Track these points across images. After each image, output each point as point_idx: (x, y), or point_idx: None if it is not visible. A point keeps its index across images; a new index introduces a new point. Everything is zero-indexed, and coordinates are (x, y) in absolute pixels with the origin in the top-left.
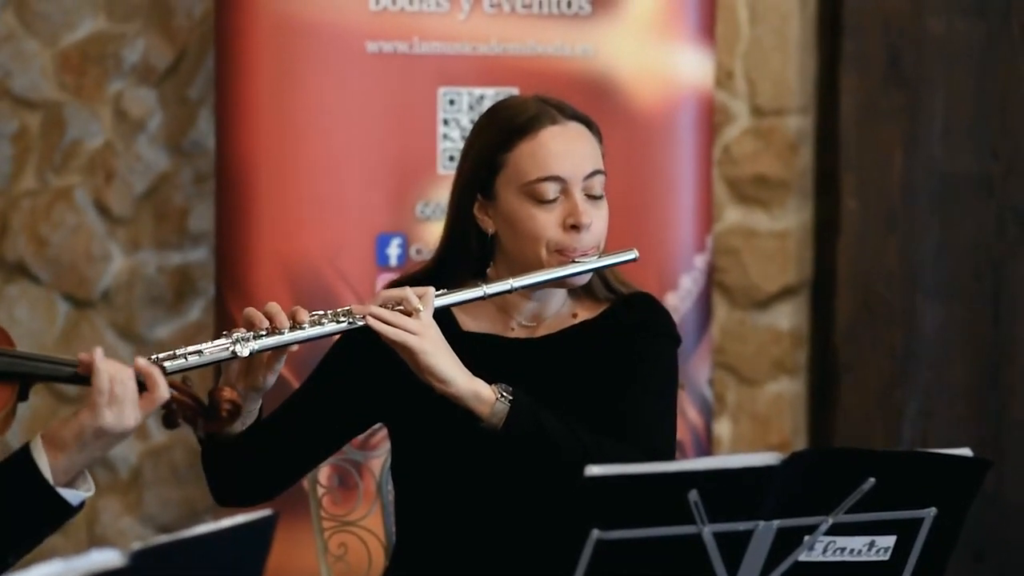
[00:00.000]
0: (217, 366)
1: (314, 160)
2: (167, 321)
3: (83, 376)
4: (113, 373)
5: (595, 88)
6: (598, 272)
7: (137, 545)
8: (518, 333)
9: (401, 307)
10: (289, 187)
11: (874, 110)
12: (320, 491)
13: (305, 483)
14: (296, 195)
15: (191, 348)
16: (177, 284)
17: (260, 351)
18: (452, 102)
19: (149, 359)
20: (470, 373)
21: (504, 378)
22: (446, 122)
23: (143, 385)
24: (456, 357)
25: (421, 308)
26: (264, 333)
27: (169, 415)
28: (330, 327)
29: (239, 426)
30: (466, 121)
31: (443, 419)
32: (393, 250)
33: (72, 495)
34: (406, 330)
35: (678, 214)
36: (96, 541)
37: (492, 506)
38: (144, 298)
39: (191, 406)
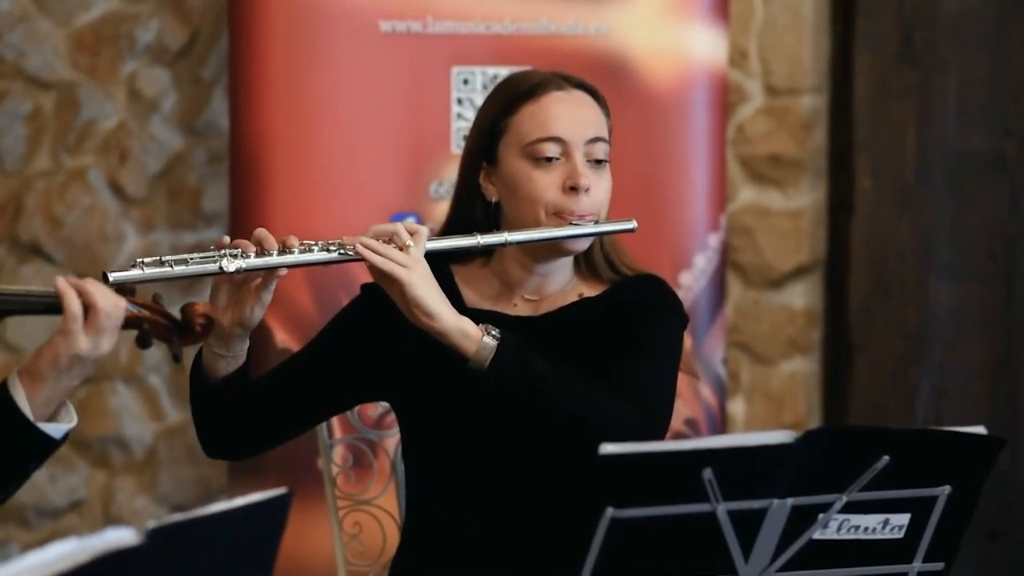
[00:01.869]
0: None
1: (328, 140)
2: (181, 300)
3: (57, 306)
4: (102, 305)
5: (609, 67)
6: (603, 252)
7: (152, 523)
8: (521, 310)
9: (392, 242)
10: (303, 167)
11: (888, 89)
12: (335, 470)
13: (320, 462)
14: (310, 175)
15: (177, 257)
16: None
17: (247, 270)
18: (466, 81)
19: (132, 263)
20: (456, 311)
21: None
22: (460, 101)
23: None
24: (444, 295)
25: (412, 244)
26: (252, 254)
27: (142, 335)
28: (320, 255)
29: (224, 368)
30: (480, 100)
31: (450, 397)
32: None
33: (54, 428)
34: (395, 262)
35: (692, 193)
36: (111, 520)
37: (503, 484)
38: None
39: (164, 324)
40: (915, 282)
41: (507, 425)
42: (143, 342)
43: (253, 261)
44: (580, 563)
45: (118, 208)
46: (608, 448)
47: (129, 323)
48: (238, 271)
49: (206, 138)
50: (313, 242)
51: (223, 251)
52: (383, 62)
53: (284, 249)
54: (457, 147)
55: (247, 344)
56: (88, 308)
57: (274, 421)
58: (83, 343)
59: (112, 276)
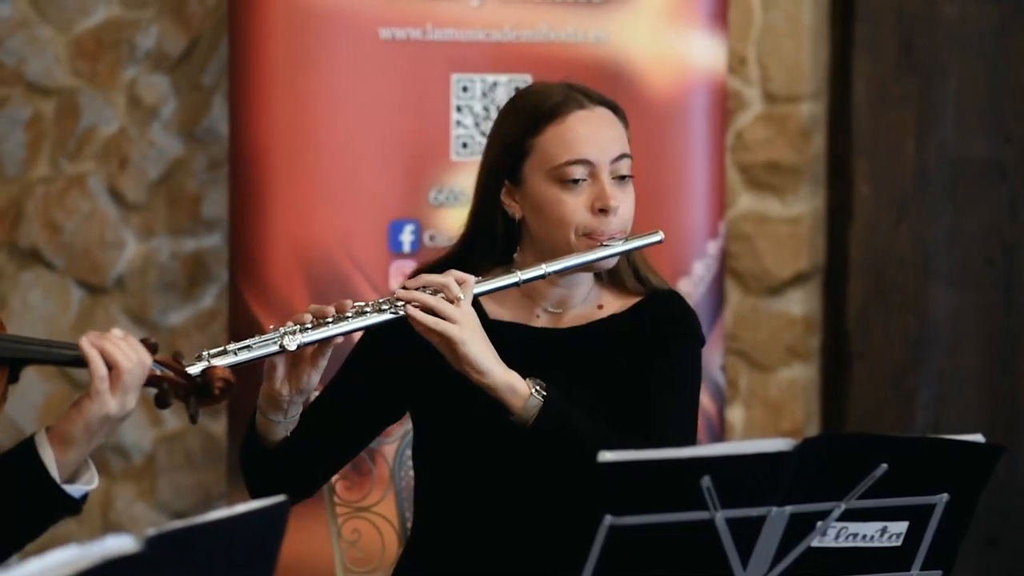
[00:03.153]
0: (261, 369)
1: (327, 147)
2: (181, 307)
3: (79, 359)
4: (124, 363)
5: (608, 74)
6: (627, 260)
7: (152, 531)
8: (544, 321)
9: (441, 294)
10: (302, 174)
11: (887, 96)
12: (333, 477)
13: None
14: (309, 182)
15: (239, 344)
16: (191, 270)
17: (307, 344)
18: (465, 89)
19: (199, 355)
20: (505, 365)
21: (530, 368)
22: (459, 109)
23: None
24: (492, 347)
25: (462, 296)
26: (309, 327)
27: (161, 395)
28: (373, 318)
29: (282, 432)
30: (479, 108)
31: (468, 407)
32: (406, 236)
33: (76, 490)
34: (447, 318)
35: (691, 200)
36: (110, 527)
37: (510, 493)
38: (158, 284)
39: (183, 384)
40: (914, 289)
41: (517, 438)
42: (162, 402)
43: (311, 335)
44: (579, 571)
45: (118, 214)
46: (606, 456)
47: (150, 382)
48: (299, 347)
49: (206, 144)
50: (365, 303)
51: (281, 330)
52: (383, 69)
53: (339, 315)
54: (456, 154)
55: (301, 409)
56: (112, 367)
57: (322, 462)
58: (112, 404)
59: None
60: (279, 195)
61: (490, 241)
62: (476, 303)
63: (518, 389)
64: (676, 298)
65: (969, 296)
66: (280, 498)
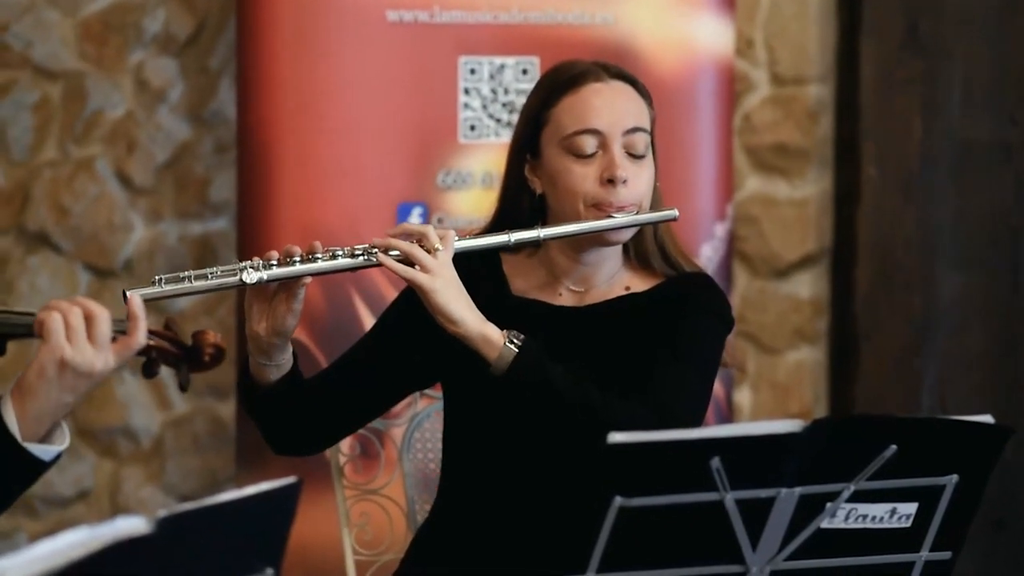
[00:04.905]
0: (243, 313)
1: (335, 129)
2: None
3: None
4: (65, 308)
5: (615, 57)
6: (656, 242)
7: (163, 512)
8: (566, 299)
9: (422, 244)
10: (310, 156)
11: (893, 78)
12: (342, 460)
13: (327, 452)
14: (317, 164)
15: (197, 271)
16: (198, 254)
17: (269, 281)
18: (473, 71)
19: (152, 280)
20: (482, 316)
21: (550, 345)
22: (467, 91)
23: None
24: (469, 299)
25: (440, 248)
26: (275, 264)
27: (148, 364)
28: (343, 262)
29: (272, 375)
30: (486, 90)
31: (487, 385)
32: (414, 219)
33: (42, 450)
34: (421, 266)
35: (698, 183)
36: (118, 510)
37: (534, 471)
38: (165, 268)
39: (173, 352)
40: (920, 271)
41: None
42: (148, 371)
43: (275, 271)
44: (589, 552)
45: (125, 198)
46: (616, 437)
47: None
48: (259, 282)
49: (213, 128)
50: (339, 247)
51: (244, 264)
52: (390, 52)
53: (308, 256)
54: (464, 137)
55: (290, 351)
56: (67, 316)
57: (341, 415)
58: (67, 349)
59: (130, 293)
60: (287, 178)
61: (516, 218)
62: (500, 277)
63: (492, 339)
64: (704, 279)
65: (975, 278)
66: (291, 479)
